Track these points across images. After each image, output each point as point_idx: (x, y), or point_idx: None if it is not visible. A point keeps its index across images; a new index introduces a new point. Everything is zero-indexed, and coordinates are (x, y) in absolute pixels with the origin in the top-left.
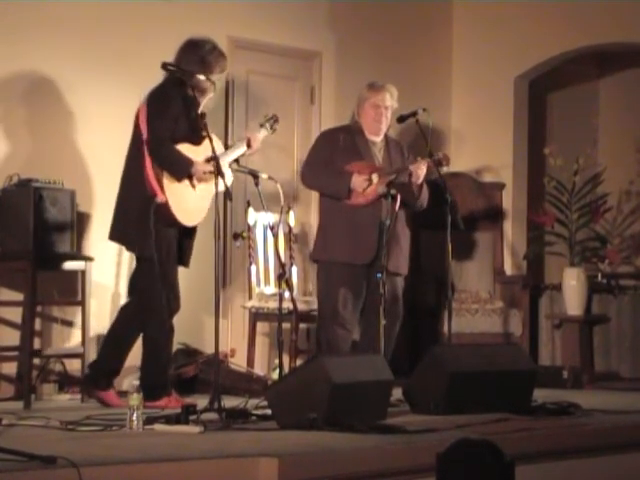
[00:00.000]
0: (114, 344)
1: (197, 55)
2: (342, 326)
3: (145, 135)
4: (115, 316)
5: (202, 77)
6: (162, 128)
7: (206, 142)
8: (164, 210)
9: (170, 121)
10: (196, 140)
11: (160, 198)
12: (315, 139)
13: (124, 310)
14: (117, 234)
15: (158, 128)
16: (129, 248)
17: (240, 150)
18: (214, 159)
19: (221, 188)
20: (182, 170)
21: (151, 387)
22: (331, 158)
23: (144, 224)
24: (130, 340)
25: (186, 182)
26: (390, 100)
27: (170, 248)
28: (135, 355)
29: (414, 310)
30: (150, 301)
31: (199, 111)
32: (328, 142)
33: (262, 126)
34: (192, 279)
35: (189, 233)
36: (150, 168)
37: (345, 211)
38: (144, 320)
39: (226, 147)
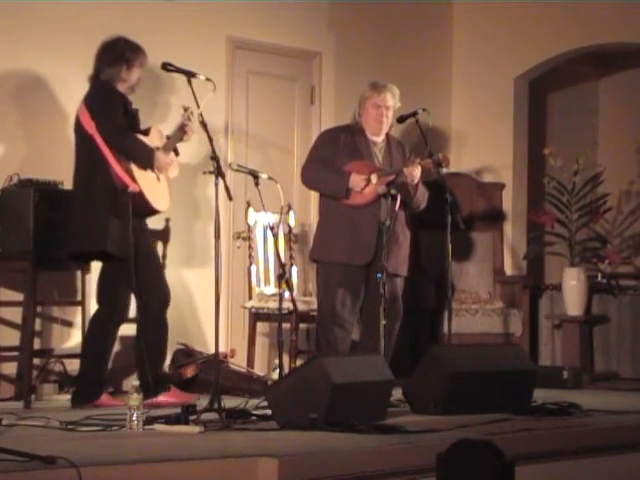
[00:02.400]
0: (93, 356)
1: (114, 53)
2: (341, 326)
3: (95, 136)
4: (88, 327)
5: (202, 77)
6: (117, 121)
7: (152, 134)
8: (138, 199)
9: (119, 114)
10: (140, 134)
11: (133, 187)
12: (316, 138)
13: (95, 319)
14: (86, 244)
15: (113, 121)
16: (95, 249)
17: (177, 137)
18: (214, 159)
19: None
20: (149, 157)
21: (147, 384)
22: (331, 157)
23: (118, 221)
24: (108, 348)
25: (150, 171)
26: (391, 100)
27: (148, 239)
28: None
29: (414, 310)
30: (140, 298)
31: (199, 110)
32: (329, 141)
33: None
34: (192, 279)
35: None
36: (115, 162)
37: (344, 211)
38: (140, 318)
39: (167, 138)
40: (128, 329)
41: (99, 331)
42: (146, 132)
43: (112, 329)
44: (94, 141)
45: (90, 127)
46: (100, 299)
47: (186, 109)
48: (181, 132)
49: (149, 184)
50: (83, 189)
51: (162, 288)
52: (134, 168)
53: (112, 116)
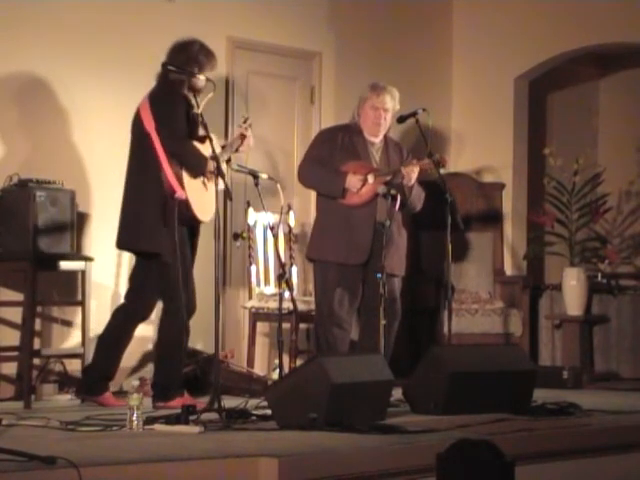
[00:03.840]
0: (108, 348)
1: (188, 55)
2: (339, 326)
3: (153, 135)
4: (109, 319)
5: (202, 77)
6: (179, 126)
7: (207, 142)
8: (183, 207)
9: (182, 120)
10: (196, 140)
11: (180, 194)
12: (314, 137)
13: (117, 313)
14: (132, 240)
15: (175, 127)
16: (146, 251)
17: (234, 146)
18: (214, 159)
19: (220, 187)
20: (202, 166)
21: (164, 388)
22: (329, 157)
23: (167, 225)
24: (124, 343)
25: (200, 179)
26: (390, 102)
27: (186, 247)
28: (134, 355)
29: (414, 310)
30: (171, 303)
31: (199, 111)
32: (327, 140)
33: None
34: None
35: (195, 232)
36: (168, 166)
37: (340, 211)
38: (162, 321)
39: (223, 147)
40: (138, 330)
41: (120, 326)
42: (203, 139)
43: (133, 326)
44: (150, 140)
45: (149, 125)
46: (129, 295)
47: (246, 120)
48: (238, 142)
49: (196, 192)
50: (135, 188)
51: (191, 297)
52: (184, 174)
53: (174, 120)
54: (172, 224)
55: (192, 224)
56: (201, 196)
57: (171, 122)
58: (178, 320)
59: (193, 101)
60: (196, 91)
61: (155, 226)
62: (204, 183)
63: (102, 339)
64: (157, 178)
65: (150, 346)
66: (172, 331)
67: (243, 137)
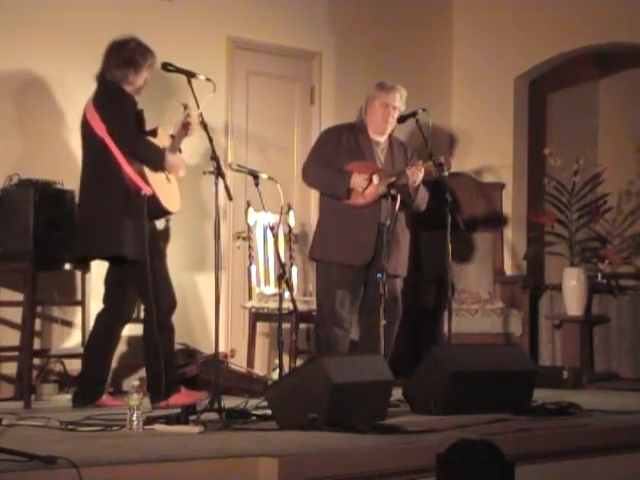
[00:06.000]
0: (96, 354)
1: (123, 55)
2: (340, 326)
3: (106, 139)
4: (92, 326)
5: (202, 77)
6: (129, 124)
7: (159, 135)
8: (151, 202)
9: (130, 117)
10: (146, 135)
11: (147, 191)
12: (318, 136)
13: (100, 318)
14: (94, 245)
15: (126, 125)
16: (109, 255)
17: (181, 136)
18: (214, 159)
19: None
20: (160, 159)
21: (158, 388)
22: (333, 156)
23: (132, 225)
24: (112, 347)
25: (161, 172)
26: (399, 101)
27: (157, 242)
28: (134, 355)
29: (414, 310)
30: (149, 301)
31: (199, 111)
32: (331, 139)
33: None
34: (192, 279)
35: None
36: (127, 166)
37: (344, 211)
38: (145, 321)
39: (172, 137)
40: (130, 329)
41: (104, 330)
42: (153, 133)
43: (117, 329)
44: (104, 143)
45: (100, 129)
46: (107, 298)
47: (186, 106)
48: (184, 129)
49: (161, 186)
50: (94, 193)
51: (169, 291)
52: (146, 170)
53: (124, 119)
54: (141, 224)
55: (160, 217)
56: (166, 188)
57: (121, 122)
58: (158, 316)
59: (136, 98)
60: (138, 89)
61: (118, 229)
62: (166, 176)
63: (89, 346)
64: (119, 179)
65: None
66: (154, 329)
67: (186, 125)
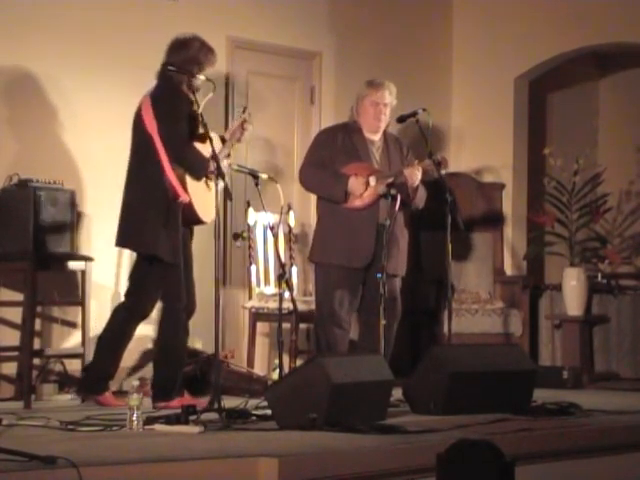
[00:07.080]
0: (108, 347)
1: (187, 54)
2: (339, 326)
3: (155, 137)
4: (109, 318)
5: (201, 77)
6: (181, 130)
7: (208, 141)
8: (187, 210)
9: (184, 121)
10: (197, 139)
11: (184, 198)
12: (313, 138)
13: (117, 312)
14: (132, 240)
15: (178, 130)
16: (145, 253)
17: (236, 136)
18: (214, 159)
19: (220, 186)
20: (203, 169)
21: (164, 388)
22: (329, 158)
23: (169, 228)
24: (124, 342)
25: (202, 181)
26: (389, 97)
27: (187, 249)
28: (134, 355)
29: (414, 310)
30: (172, 304)
31: (199, 111)
32: (326, 141)
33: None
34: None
35: (191, 233)
36: (170, 170)
37: (342, 214)
38: (162, 322)
39: (223, 140)
40: (138, 329)
41: (120, 324)
42: (203, 137)
43: (132, 325)
44: (152, 142)
45: (151, 127)
46: (129, 294)
47: (245, 109)
48: (240, 131)
49: (199, 193)
50: (137, 190)
51: (191, 297)
52: (187, 178)
53: (176, 123)
54: (176, 227)
55: (194, 224)
56: (203, 197)
57: (174, 124)
58: (178, 321)
59: (193, 98)
60: (195, 90)
61: (156, 229)
62: (206, 183)
63: (102, 338)
64: (159, 182)
65: (150, 345)
66: (172, 332)
67: (243, 126)
